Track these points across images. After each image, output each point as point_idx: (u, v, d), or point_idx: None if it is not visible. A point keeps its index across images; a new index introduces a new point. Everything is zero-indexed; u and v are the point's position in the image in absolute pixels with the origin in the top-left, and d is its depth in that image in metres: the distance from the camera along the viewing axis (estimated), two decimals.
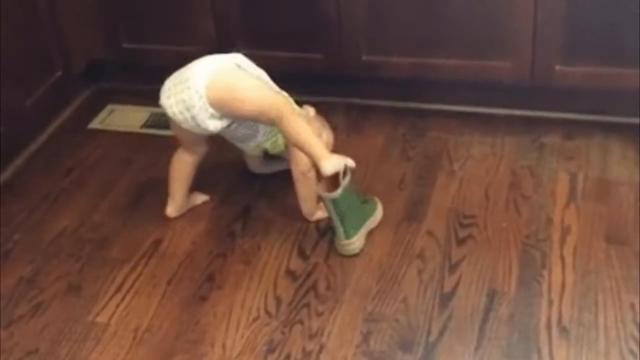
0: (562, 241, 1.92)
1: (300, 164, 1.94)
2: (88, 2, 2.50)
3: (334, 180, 1.87)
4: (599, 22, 2.14)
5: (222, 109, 1.89)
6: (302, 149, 1.86)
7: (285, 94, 1.97)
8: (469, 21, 2.24)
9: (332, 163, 1.83)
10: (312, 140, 1.85)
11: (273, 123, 1.88)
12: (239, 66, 1.95)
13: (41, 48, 2.41)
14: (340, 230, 1.90)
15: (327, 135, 2.08)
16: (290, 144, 1.91)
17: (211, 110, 1.88)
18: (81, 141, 2.47)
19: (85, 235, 2.08)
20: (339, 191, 1.85)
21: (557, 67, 2.23)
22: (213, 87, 1.87)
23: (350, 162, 1.87)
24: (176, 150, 2.06)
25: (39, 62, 2.40)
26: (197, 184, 2.12)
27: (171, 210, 2.10)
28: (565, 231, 1.95)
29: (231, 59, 1.96)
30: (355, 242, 1.92)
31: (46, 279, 1.95)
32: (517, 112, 2.39)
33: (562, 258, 1.88)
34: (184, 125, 1.93)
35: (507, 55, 2.25)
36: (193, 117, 1.89)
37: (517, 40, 2.22)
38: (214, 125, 1.91)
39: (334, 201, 1.86)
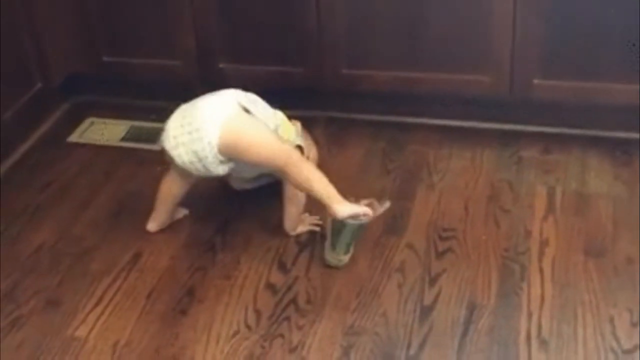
0: (541, 254, 1.94)
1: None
2: (68, 15, 2.49)
3: None
4: (576, 37, 2.17)
5: (232, 156, 1.91)
6: (313, 195, 1.88)
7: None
8: (449, 36, 2.26)
9: (346, 208, 1.85)
10: (323, 185, 1.86)
11: (281, 170, 1.89)
12: (245, 109, 1.94)
13: (20, 61, 2.39)
14: (342, 246, 1.91)
15: (313, 152, 2.08)
16: (299, 189, 1.91)
17: (221, 158, 1.90)
18: (60, 155, 2.46)
19: (64, 249, 2.07)
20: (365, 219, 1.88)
21: (536, 81, 2.25)
22: (224, 138, 1.88)
23: (365, 210, 1.89)
24: (168, 172, 2.04)
25: (17, 75, 2.39)
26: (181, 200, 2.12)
27: (153, 226, 2.09)
28: (544, 244, 1.97)
29: (236, 100, 1.95)
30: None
31: (24, 294, 1.93)
32: (496, 126, 2.40)
33: (541, 271, 1.89)
34: (193, 172, 1.94)
35: (486, 70, 2.27)
36: (204, 166, 1.91)
37: (496, 54, 2.24)
38: (223, 169, 1.93)
39: (357, 227, 1.88)
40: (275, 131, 1.97)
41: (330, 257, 1.94)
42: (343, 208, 1.85)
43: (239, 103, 1.95)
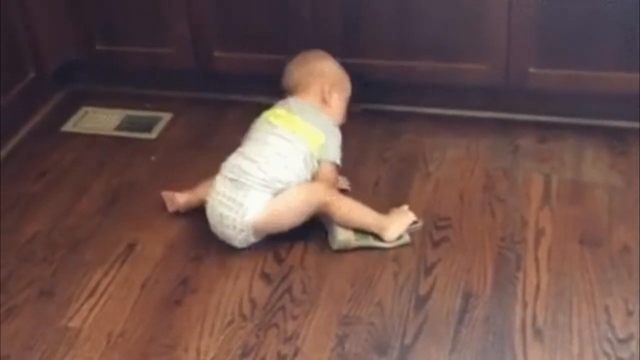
0: (537, 243, 1.93)
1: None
2: (60, 3, 2.47)
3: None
4: (572, 25, 2.16)
5: (262, 234, 1.93)
6: (358, 227, 1.91)
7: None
8: (444, 24, 2.24)
9: (394, 231, 1.92)
10: (365, 216, 1.91)
11: (320, 211, 1.92)
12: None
13: (13, 50, 2.37)
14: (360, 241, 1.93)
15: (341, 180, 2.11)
16: (343, 224, 1.92)
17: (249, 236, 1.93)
18: (54, 144, 2.44)
19: (58, 239, 2.06)
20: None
21: (531, 70, 2.24)
22: (260, 222, 1.89)
23: (412, 217, 1.94)
24: None
25: (10, 65, 2.37)
26: (174, 187, 2.11)
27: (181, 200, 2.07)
28: (540, 233, 1.96)
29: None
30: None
31: (17, 284, 1.92)
32: (492, 115, 2.39)
33: (537, 260, 1.88)
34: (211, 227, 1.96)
35: (481, 58, 2.26)
36: (223, 233, 1.93)
37: (492, 43, 2.23)
38: (240, 242, 1.94)
39: None
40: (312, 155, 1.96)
41: (348, 239, 1.91)
42: (392, 233, 1.91)
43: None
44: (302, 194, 1.91)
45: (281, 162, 1.91)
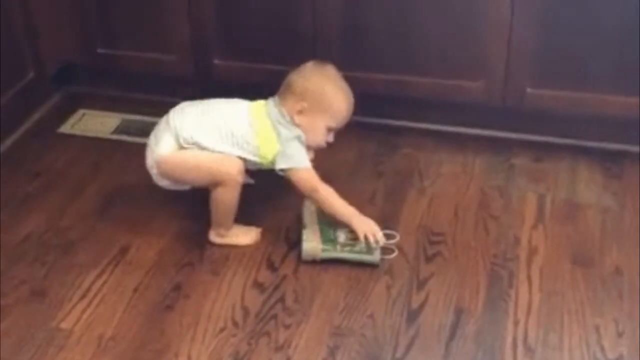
0: (529, 261, 1.94)
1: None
2: (64, 6, 2.47)
3: None
4: (570, 48, 2.18)
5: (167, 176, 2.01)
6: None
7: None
8: (444, 41, 2.26)
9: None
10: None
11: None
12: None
13: (14, 50, 2.38)
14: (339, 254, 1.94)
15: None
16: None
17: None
18: (50, 145, 2.44)
19: (52, 240, 2.05)
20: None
21: (529, 90, 2.26)
22: (162, 162, 1.98)
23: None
24: None
25: (11, 64, 2.37)
26: (169, 192, 2.11)
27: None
28: (533, 252, 1.97)
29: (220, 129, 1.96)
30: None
31: (9, 284, 1.91)
32: (488, 133, 2.41)
33: (529, 278, 1.89)
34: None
35: (480, 77, 2.28)
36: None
37: (491, 62, 2.25)
38: (155, 177, 2.04)
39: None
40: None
41: (314, 250, 1.92)
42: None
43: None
44: (211, 158, 1.92)
45: (209, 127, 1.94)
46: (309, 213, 2.00)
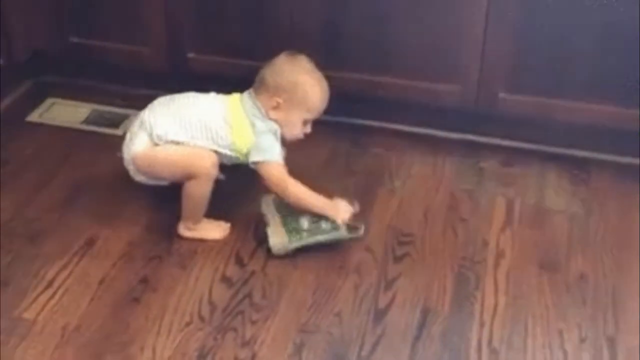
0: (497, 265, 1.96)
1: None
2: None
3: None
4: (544, 54, 2.20)
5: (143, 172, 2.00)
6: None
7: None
8: (419, 43, 2.27)
9: (344, 213, 1.95)
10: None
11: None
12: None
13: None
14: (305, 239, 1.94)
15: None
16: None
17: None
18: (18, 134, 2.41)
19: (17, 230, 2.03)
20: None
21: (501, 95, 2.27)
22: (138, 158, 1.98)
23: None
24: None
25: None
26: (138, 184, 2.10)
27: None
28: (500, 255, 1.99)
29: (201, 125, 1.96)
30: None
31: None
32: (459, 136, 2.42)
33: (496, 281, 1.91)
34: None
35: (453, 80, 2.29)
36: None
37: (464, 65, 2.26)
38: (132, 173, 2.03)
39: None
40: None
41: (282, 242, 1.92)
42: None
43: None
44: (184, 153, 1.92)
45: (183, 123, 1.93)
46: (267, 207, 1.98)
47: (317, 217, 1.94)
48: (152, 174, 1.98)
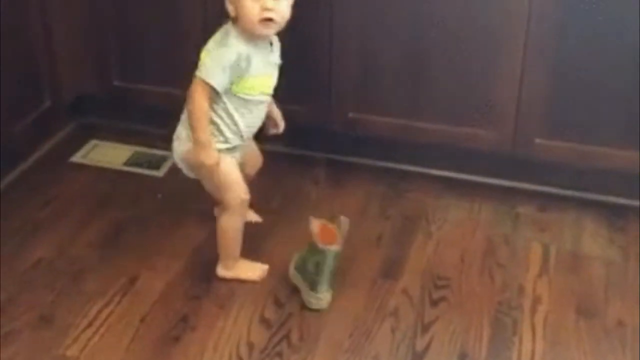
0: (534, 310, 1.96)
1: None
2: (83, 38, 2.52)
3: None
4: (580, 100, 2.22)
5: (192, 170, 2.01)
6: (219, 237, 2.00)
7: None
8: (455, 88, 2.30)
9: (231, 273, 2.03)
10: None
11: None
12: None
13: (32, 78, 2.42)
14: (325, 280, 1.92)
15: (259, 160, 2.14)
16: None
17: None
18: (62, 174, 2.47)
19: (61, 268, 2.07)
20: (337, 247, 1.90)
21: (537, 140, 2.29)
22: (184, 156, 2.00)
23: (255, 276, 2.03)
24: None
25: (28, 92, 2.41)
26: (178, 225, 2.14)
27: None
28: (537, 301, 1.99)
29: None
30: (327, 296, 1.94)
31: (18, 309, 1.93)
32: (495, 181, 2.44)
33: (533, 327, 1.91)
34: None
35: (490, 125, 2.31)
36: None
37: (501, 110, 2.28)
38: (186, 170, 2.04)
39: (336, 255, 1.89)
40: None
41: (313, 298, 1.93)
42: (227, 271, 2.03)
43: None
44: (225, 178, 1.96)
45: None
46: (295, 277, 1.99)
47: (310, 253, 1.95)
48: (196, 175, 2.01)
